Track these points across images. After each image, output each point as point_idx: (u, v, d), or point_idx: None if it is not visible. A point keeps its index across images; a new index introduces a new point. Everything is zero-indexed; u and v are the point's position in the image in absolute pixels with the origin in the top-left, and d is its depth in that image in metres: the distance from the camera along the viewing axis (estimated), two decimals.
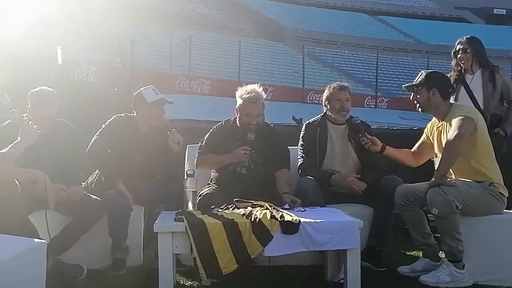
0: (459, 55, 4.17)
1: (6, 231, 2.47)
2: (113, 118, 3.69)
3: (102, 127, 3.66)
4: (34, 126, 3.07)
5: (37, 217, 3.14)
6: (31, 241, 2.44)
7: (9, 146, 2.98)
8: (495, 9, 40.06)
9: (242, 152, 3.56)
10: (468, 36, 4.23)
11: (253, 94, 3.66)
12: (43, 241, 2.50)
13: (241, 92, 3.70)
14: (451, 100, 3.86)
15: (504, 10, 39.85)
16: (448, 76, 4.09)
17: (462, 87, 4.14)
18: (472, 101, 4.05)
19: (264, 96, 3.74)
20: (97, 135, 3.62)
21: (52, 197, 3.10)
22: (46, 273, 2.38)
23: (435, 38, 31.96)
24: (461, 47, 4.16)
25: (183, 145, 3.69)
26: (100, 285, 3.16)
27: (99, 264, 3.43)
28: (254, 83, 3.81)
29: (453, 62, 4.24)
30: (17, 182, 2.88)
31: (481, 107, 4.05)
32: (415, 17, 37.38)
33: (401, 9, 38.79)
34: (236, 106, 3.73)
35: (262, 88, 3.75)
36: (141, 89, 3.71)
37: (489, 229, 3.24)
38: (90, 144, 3.59)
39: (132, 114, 3.72)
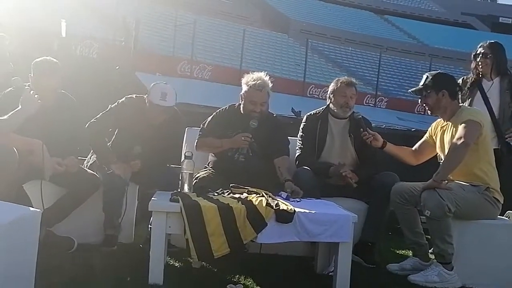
0: (478, 59, 4.07)
1: None
2: (123, 99, 3.66)
3: (110, 107, 3.63)
4: (36, 96, 3.05)
5: (32, 187, 3.14)
6: (26, 209, 2.43)
7: (10, 114, 2.96)
8: (501, 18, 40.04)
9: (243, 138, 3.55)
10: (491, 41, 4.12)
11: (260, 81, 3.64)
12: (38, 210, 2.49)
13: (247, 79, 3.67)
14: (466, 104, 3.86)
15: (510, 19, 39.82)
16: (465, 78, 4.06)
17: (478, 92, 4.04)
18: (487, 108, 3.97)
19: (270, 85, 3.73)
20: (102, 114, 3.61)
21: (49, 168, 3.10)
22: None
23: (439, 42, 31.94)
24: (482, 51, 4.05)
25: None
26: (90, 259, 3.16)
27: (90, 239, 3.44)
28: (258, 72, 3.79)
29: (472, 65, 4.13)
30: (15, 149, 2.86)
31: (496, 115, 3.99)
32: (421, 19, 37.30)
33: (407, 10, 38.70)
34: (241, 93, 3.71)
35: (268, 77, 3.73)
36: (156, 83, 3.61)
37: (481, 234, 3.26)
38: (91, 121, 3.58)
39: (144, 95, 3.68)
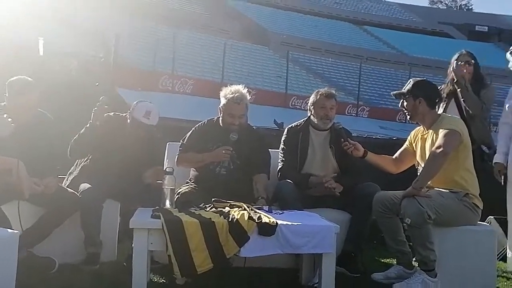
0: (460, 64, 3.98)
1: None
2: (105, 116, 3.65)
3: (89, 123, 3.62)
4: (9, 119, 3.01)
5: (10, 208, 3.09)
6: (4, 231, 2.39)
7: None
8: (477, 26, 40.78)
9: (224, 152, 3.55)
10: (468, 51, 4.16)
11: (237, 94, 3.66)
12: (16, 231, 2.45)
13: (225, 92, 3.69)
14: (440, 111, 3.89)
15: (486, 27, 40.58)
16: (440, 88, 4.08)
17: (453, 99, 4.08)
18: (460, 114, 3.99)
19: (248, 97, 3.74)
20: (84, 130, 3.60)
21: (28, 186, 3.06)
22: (17, 265, 2.33)
23: (418, 51, 32.39)
24: (466, 59, 4.06)
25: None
26: (72, 279, 3.12)
27: (72, 258, 3.39)
28: (237, 84, 3.81)
29: (451, 73, 4.05)
30: None
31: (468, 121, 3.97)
32: (399, 29, 37.81)
33: (385, 20, 39.22)
34: (220, 106, 3.72)
35: (246, 89, 3.74)
36: (140, 101, 3.65)
37: (462, 240, 3.28)
38: (75, 137, 3.58)
39: (124, 114, 3.70)
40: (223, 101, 3.69)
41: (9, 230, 2.49)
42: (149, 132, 3.64)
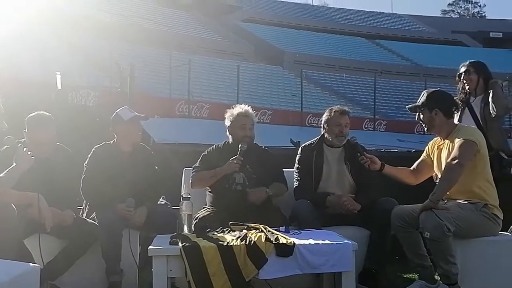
0: (462, 77, 4.13)
1: (1, 255, 2.47)
2: (92, 151, 3.74)
3: (85, 164, 3.69)
4: (29, 153, 3.09)
5: (31, 242, 3.14)
6: (25, 265, 2.43)
7: (5, 171, 3.00)
8: (491, 33, 40.50)
9: (235, 161, 3.60)
10: (471, 61, 4.19)
11: (244, 109, 3.84)
12: (37, 265, 2.49)
13: (231, 111, 3.84)
14: (455, 121, 3.88)
15: (500, 33, 40.29)
16: (456, 97, 4.08)
17: (467, 109, 4.09)
18: (475, 123, 4.00)
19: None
20: (84, 174, 3.65)
21: (49, 218, 3.12)
22: None
23: (432, 61, 32.22)
24: (465, 69, 4.13)
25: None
26: None
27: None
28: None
29: (459, 86, 4.19)
30: (13, 206, 2.89)
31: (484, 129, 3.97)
32: (413, 41, 37.75)
33: (398, 33, 39.22)
34: (228, 126, 3.82)
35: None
36: (117, 110, 3.79)
37: (484, 251, 3.23)
38: (81, 183, 3.63)
39: (111, 141, 3.77)
40: (230, 118, 3.82)
41: (31, 264, 2.54)
42: (141, 150, 3.76)
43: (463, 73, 4.15)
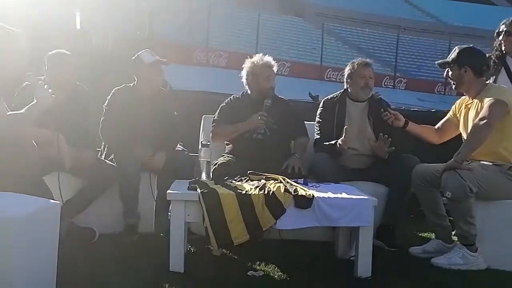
0: (501, 37, 3.94)
1: (20, 191, 2.48)
2: (111, 93, 3.69)
3: (104, 106, 3.66)
4: (50, 90, 3.06)
5: (50, 180, 3.16)
6: (46, 201, 2.45)
7: (26, 108, 2.98)
8: None
9: (259, 117, 3.54)
10: None
11: (266, 59, 3.72)
12: (58, 202, 2.51)
13: (254, 60, 3.73)
14: (490, 81, 3.75)
15: None
16: (488, 56, 3.93)
17: (503, 68, 3.94)
18: None
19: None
20: (103, 115, 3.63)
21: (68, 158, 3.13)
22: (59, 234, 2.39)
23: (458, 20, 31.26)
24: (505, 29, 3.93)
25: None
26: (112, 249, 3.19)
27: (111, 228, 3.47)
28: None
29: (496, 43, 4.01)
30: (34, 142, 2.88)
31: None
32: None
33: None
34: (248, 77, 3.72)
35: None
36: (138, 53, 3.72)
37: (505, 214, 3.18)
38: (100, 124, 3.61)
39: (131, 84, 3.71)
40: (254, 69, 3.70)
41: (51, 200, 2.55)
42: (160, 95, 3.71)
43: (503, 33, 3.94)
